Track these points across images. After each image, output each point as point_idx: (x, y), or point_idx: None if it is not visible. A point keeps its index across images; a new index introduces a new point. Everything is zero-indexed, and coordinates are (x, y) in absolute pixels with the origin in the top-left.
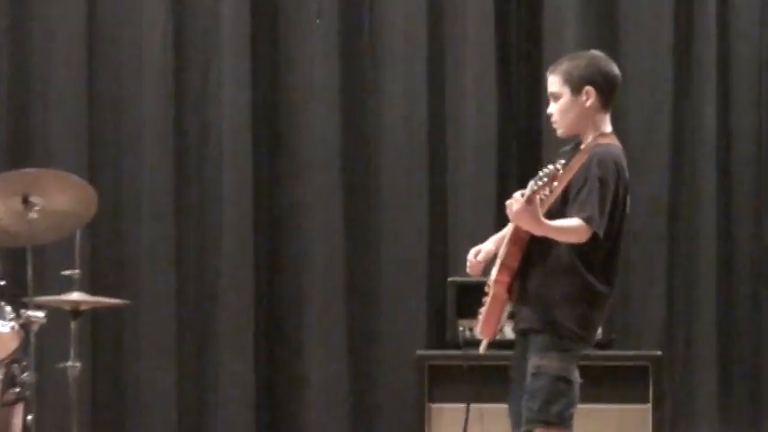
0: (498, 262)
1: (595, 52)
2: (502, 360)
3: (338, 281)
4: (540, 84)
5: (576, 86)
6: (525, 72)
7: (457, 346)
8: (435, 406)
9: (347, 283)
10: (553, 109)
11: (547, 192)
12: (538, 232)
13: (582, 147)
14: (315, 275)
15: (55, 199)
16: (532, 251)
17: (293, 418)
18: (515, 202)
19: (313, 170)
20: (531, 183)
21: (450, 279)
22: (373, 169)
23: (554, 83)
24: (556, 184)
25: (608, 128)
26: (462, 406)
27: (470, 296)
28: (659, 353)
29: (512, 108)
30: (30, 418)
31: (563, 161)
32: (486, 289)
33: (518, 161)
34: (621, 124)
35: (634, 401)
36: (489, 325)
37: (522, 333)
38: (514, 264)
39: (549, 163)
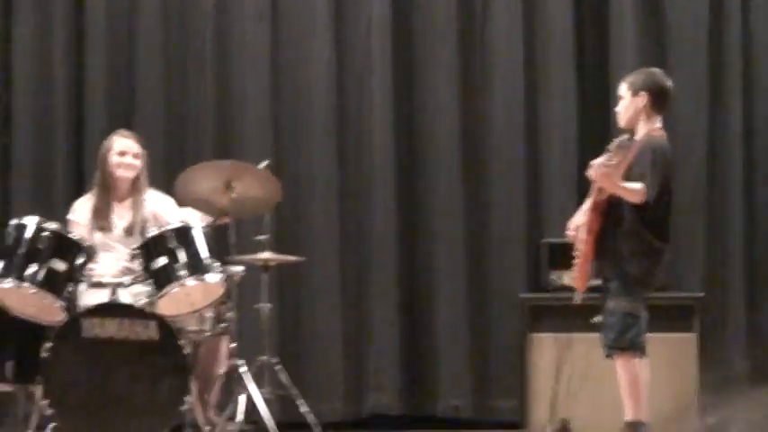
0: (583, 228)
1: (655, 69)
2: (584, 300)
3: (458, 246)
4: (608, 91)
5: (634, 91)
6: (597, 84)
7: (549, 291)
8: (535, 336)
9: (466, 246)
10: (619, 107)
11: (619, 158)
12: (610, 187)
13: (636, 137)
14: (442, 244)
15: (249, 186)
16: (608, 217)
17: (427, 347)
18: (597, 164)
19: (438, 164)
20: (607, 151)
21: (543, 240)
22: (485, 158)
23: (621, 88)
24: (622, 156)
25: (658, 124)
26: (555, 335)
27: (559, 253)
28: (702, 294)
29: (588, 111)
30: (233, 345)
31: (626, 136)
32: (575, 252)
33: (592, 150)
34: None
35: (684, 331)
36: (582, 279)
37: (604, 280)
38: (595, 227)
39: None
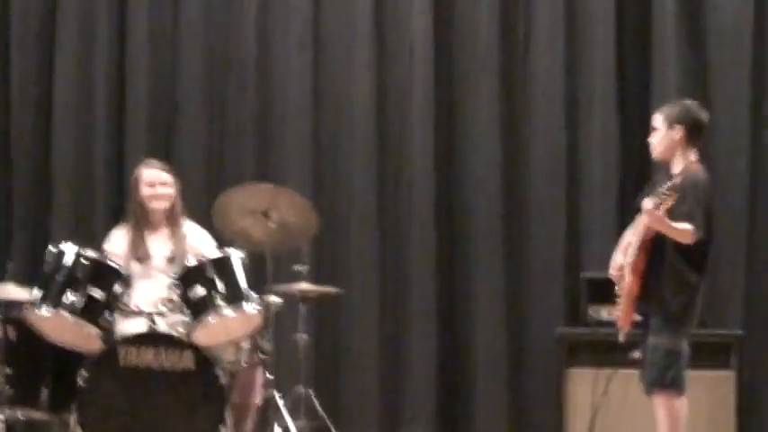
0: (629, 267)
1: (691, 102)
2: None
3: (498, 279)
4: (648, 126)
5: (670, 123)
6: (639, 121)
7: (587, 325)
8: (572, 371)
9: (505, 279)
10: (653, 138)
11: (671, 201)
12: (664, 229)
13: (674, 171)
14: (481, 278)
15: (287, 214)
16: (652, 256)
17: (464, 380)
18: (649, 204)
19: (478, 199)
20: (659, 192)
21: (582, 274)
22: (526, 194)
23: (657, 119)
24: (673, 197)
25: (693, 157)
26: (593, 371)
27: (597, 287)
28: (741, 332)
29: (628, 148)
30: (269, 376)
31: (679, 179)
32: (618, 290)
33: (633, 184)
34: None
35: (722, 369)
36: (627, 317)
37: (644, 316)
38: (641, 266)
39: (662, 182)
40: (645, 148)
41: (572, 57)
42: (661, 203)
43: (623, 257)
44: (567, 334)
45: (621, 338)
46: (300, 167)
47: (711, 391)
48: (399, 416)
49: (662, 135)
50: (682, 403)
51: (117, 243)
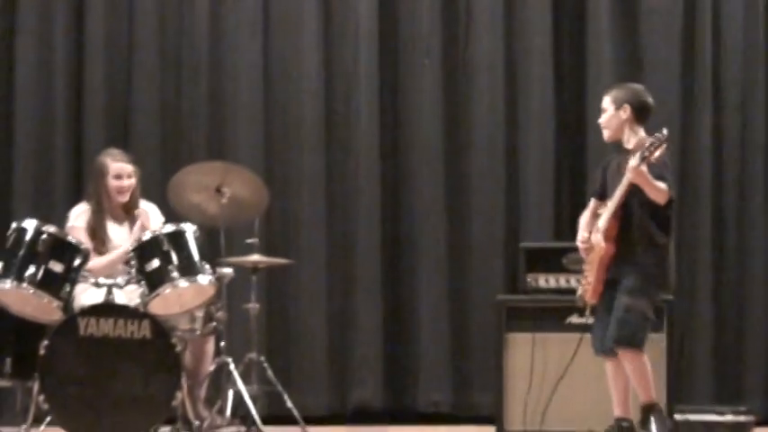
0: (602, 235)
1: (637, 85)
2: (556, 303)
3: (441, 250)
4: (585, 102)
5: (617, 104)
6: (575, 99)
7: (526, 292)
8: (511, 335)
9: (448, 251)
10: (602, 120)
11: (656, 154)
12: (644, 183)
13: (629, 146)
14: (425, 249)
15: (238, 190)
16: (623, 221)
17: (409, 345)
18: (633, 162)
19: (422, 174)
20: (643, 149)
21: (521, 245)
22: (467, 169)
23: (605, 101)
24: (658, 153)
25: (644, 133)
26: (530, 335)
27: (535, 257)
28: (671, 298)
29: (564, 125)
30: (222, 343)
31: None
32: (585, 266)
33: (569, 159)
34: None
35: (654, 332)
36: (597, 289)
37: (614, 281)
38: (614, 233)
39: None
40: (580, 124)
41: (511, 38)
42: (647, 156)
43: (587, 234)
44: (506, 300)
45: (587, 311)
46: (252, 146)
47: (645, 352)
48: (347, 380)
49: (610, 115)
50: (646, 357)
51: (81, 219)
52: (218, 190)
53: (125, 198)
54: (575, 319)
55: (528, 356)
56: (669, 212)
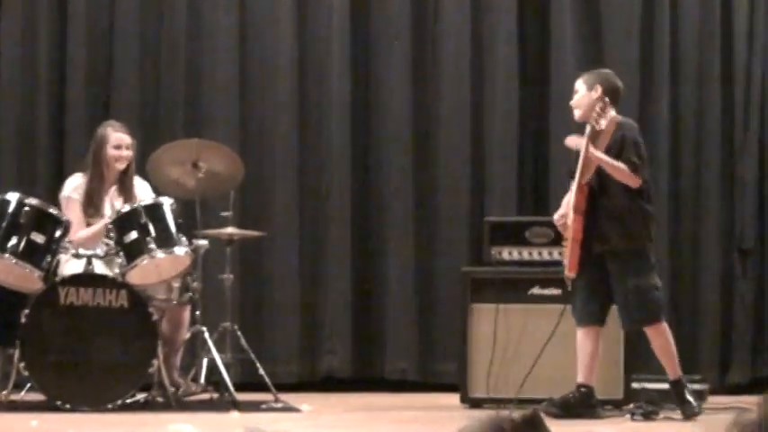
0: (571, 213)
1: (607, 70)
2: (520, 275)
3: (408, 224)
4: (549, 81)
5: (589, 86)
6: (538, 74)
7: (490, 264)
8: (475, 306)
9: (415, 224)
10: (574, 101)
11: (603, 120)
12: (600, 162)
13: (599, 128)
14: (393, 222)
15: (214, 165)
16: (599, 197)
17: (377, 315)
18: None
19: (391, 150)
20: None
21: (485, 218)
22: (433, 147)
23: (577, 83)
24: (603, 121)
25: (614, 113)
26: (493, 306)
27: (500, 230)
28: None
29: (527, 104)
30: (197, 312)
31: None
32: (564, 241)
33: (531, 144)
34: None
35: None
36: (573, 261)
37: (601, 255)
38: (583, 206)
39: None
40: (542, 103)
41: (478, 21)
42: (594, 125)
43: (565, 209)
44: (470, 272)
45: (567, 282)
46: (228, 123)
47: (607, 325)
48: (318, 349)
49: (582, 95)
50: (668, 330)
51: (76, 193)
52: (195, 165)
53: (122, 165)
54: (536, 291)
55: (491, 326)
56: (649, 186)
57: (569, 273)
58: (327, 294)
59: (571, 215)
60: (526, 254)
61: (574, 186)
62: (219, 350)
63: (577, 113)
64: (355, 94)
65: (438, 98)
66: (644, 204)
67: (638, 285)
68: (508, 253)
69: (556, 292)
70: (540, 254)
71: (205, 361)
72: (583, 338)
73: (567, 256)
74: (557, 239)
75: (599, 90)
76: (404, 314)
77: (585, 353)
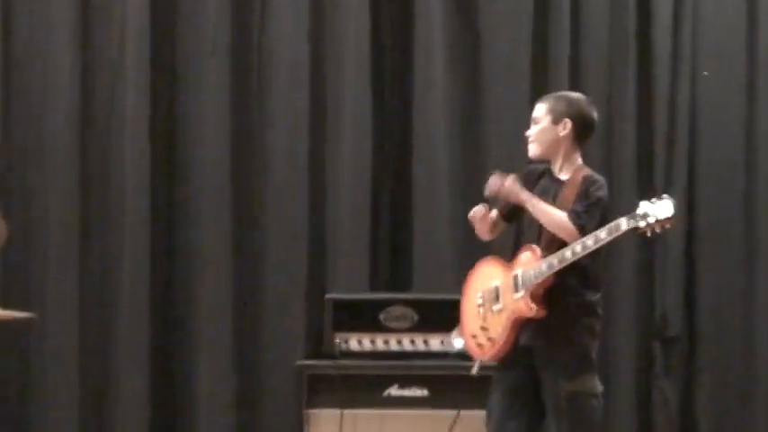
0: (523, 294)
1: (581, 95)
2: (372, 370)
3: (226, 298)
4: (409, 117)
5: (556, 117)
6: (397, 114)
7: (333, 357)
8: (313, 411)
9: (234, 300)
10: (532, 132)
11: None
12: (524, 201)
13: (563, 176)
14: (204, 294)
15: None
16: (552, 285)
17: (186, 418)
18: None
19: (204, 195)
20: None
21: (327, 296)
22: (259, 194)
23: (540, 110)
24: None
25: (580, 161)
26: (337, 411)
27: (344, 311)
28: None
29: (384, 148)
30: None
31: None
32: (484, 326)
33: (390, 191)
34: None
35: None
36: (503, 350)
37: (529, 349)
38: (540, 291)
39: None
40: (404, 136)
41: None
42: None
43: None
44: (307, 367)
45: (474, 371)
46: None
47: None
48: None
49: (544, 128)
50: None
51: None
52: None
53: None
54: (395, 391)
55: None
56: (597, 269)
57: (490, 360)
58: (118, 393)
59: (527, 298)
60: (381, 343)
61: (542, 265)
62: None
63: (534, 149)
64: (156, 147)
65: (265, 134)
66: (591, 296)
67: (571, 391)
68: (357, 342)
69: (420, 393)
70: (399, 342)
71: None
72: None
73: (490, 339)
74: (422, 323)
75: (568, 126)
76: (222, 417)
77: None
